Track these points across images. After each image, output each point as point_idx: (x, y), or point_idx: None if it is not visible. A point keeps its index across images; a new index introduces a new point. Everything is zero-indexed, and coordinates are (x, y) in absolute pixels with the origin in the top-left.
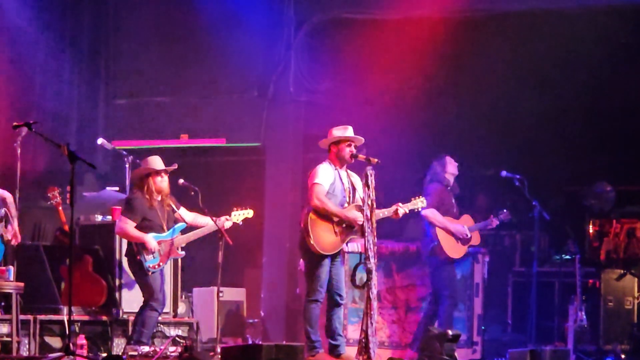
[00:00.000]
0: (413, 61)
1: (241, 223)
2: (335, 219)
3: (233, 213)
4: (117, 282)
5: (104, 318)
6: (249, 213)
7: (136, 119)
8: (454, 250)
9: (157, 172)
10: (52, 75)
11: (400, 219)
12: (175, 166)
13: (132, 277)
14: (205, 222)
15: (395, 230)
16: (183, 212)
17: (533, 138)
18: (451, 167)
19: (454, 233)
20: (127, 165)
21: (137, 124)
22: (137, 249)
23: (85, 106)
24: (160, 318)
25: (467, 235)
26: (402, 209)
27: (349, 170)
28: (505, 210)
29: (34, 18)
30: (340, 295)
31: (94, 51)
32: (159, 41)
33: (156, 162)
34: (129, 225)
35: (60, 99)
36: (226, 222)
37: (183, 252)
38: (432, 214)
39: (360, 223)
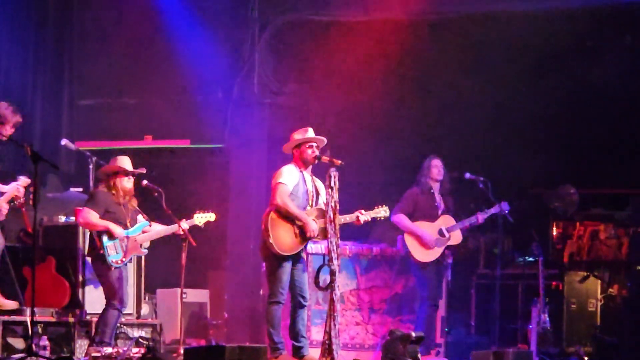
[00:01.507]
0: (377, 63)
1: (202, 226)
2: (296, 221)
3: (195, 215)
4: (81, 283)
5: (67, 319)
6: (211, 217)
7: (100, 120)
8: (424, 254)
9: (126, 173)
10: (16, 76)
11: (368, 222)
12: (144, 170)
13: (95, 276)
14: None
15: (361, 232)
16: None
17: (497, 140)
18: (434, 172)
19: (422, 241)
20: (90, 166)
21: (101, 125)
22: (100, 243)
23: (48, 107)
24: (123, 319)
25: (441, 236)
26: (364, 216)
27: (313, 175)
28: (503, 201)
29: None
30: (303, 297)
31: (57, 52)
32: (123, 42)
33: (125, 162)
34: (92, 215)
35: (23, 100)
36: (183, 223)
37: (146, 250)
38: (399, 219)
39: (314, 235)
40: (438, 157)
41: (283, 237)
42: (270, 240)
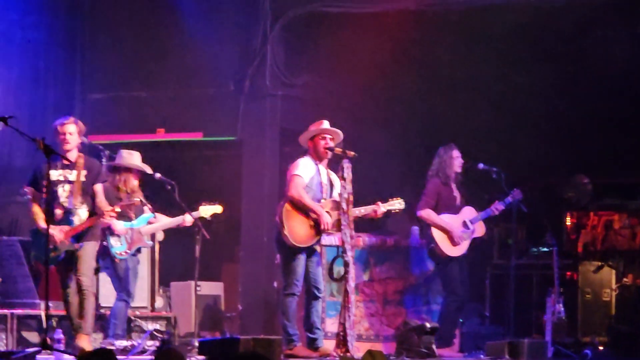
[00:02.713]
0: (390, 54)
1: (209, 217)
2: (310, 213)
3: (201, 207)
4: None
5: None
6: (217, 209)
7: (112, 113)
8: (452, 248)
9: (128, 171)
10: (28, 70)
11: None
12: (150, 170)
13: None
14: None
15: (375, 223)
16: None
17: (510, 130)
18: (456, 163)
19: (450, 234)
20: (103, 160)
21: (113, 118)
22: (103, 236)
23: (61, 101)
24: (138, 312)
25: (466, 229)
26: (382, 208)
27: (328, 168)
28: (515, 189)
29: (9, 13)
30: (318, 289)
31: (69, 46)
32: (134, 35)
33: (135, 158)
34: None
35: (36, 94)
36: (187, 216)
37: (150, 242)
38: (427, 215)
39: (328, 228)
40: (456, 147)
41: (297, 229)
42: (285, 232)
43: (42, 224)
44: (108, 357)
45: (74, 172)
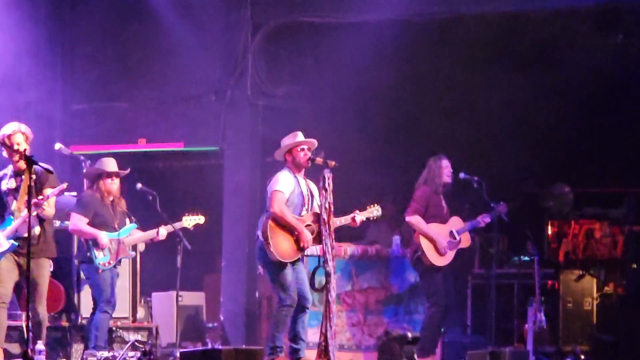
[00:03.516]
0: (372, 64)
1: (192, 228)
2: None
3: (184, 218)
4: (76, 288)
5: (63, 323)
6: (200, 219)
7: (94, 123)
8: (438, 257)
9: (109, 175)
10: (10, 80)
11: (362, 222)
12: (128, 170)
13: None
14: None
15: (356, 233)
16: None
17: (491, 139)
18: (446, 172)
19: (436, 245)
20: (84, 171)
21: (94, 129)
22: (87, 246)
23: (43, 111)
24: (119, 323)
25: (453, 239)
26: (360, 216)
27: (307, 179)
28: (501, 203)
29: None
30: (305, 299)
31: (51, 56)
32: (116, 45)
33: (109, 163)
34: (82, 222)
35: (17, 104)
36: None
37: (133, 252)
38: (416, 221)
39: (307, 246)
40: (446, 157)
41: (282, 245)
42: (271, 249)
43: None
44: None
45: (25, 180)
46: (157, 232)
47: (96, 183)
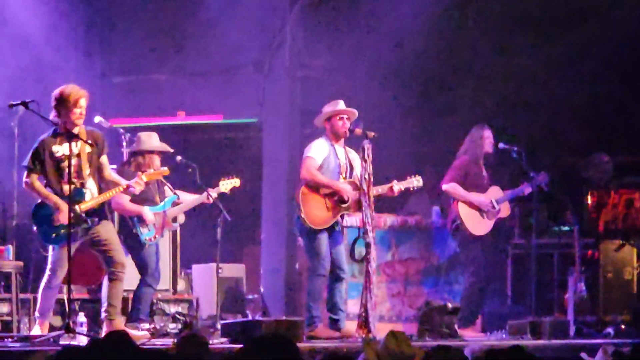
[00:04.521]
0: (412, 33)
1: (229, 192)
2: (326, 191)
3: (221, 183)
4: None
5: None
6: (236, 182)
7: (133, 96)
8: (478, 226)
9: (151, 152)
10: (48, 54)
11: (402, 193)
12: (170, 150)
13: (129, 254)
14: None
15: (396, 204)
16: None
17: (530, 109)
18: (487, 142)
19: (478, 206)
20: (124, 144)
21: (133, 101)
22: (132, 223)
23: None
24: (160, 295)
25: (492, 207)
26: (398, 186)
27: (347, 147)
28: (542, 172)
29: None
30: (341, 269)
31: (89, 29)
32: (154, 18)
33: (154, 139)
34: (124, 199)
35: (56, 78)
36: (211, 191)
37: (177, 224)
38: (453, 189)
39: (348, 195)
40: (488, 127)
41: (314, 211)
42: (302, 215)
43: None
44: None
45: (79, 144)
46: (208, 195)
47: (141, 158)
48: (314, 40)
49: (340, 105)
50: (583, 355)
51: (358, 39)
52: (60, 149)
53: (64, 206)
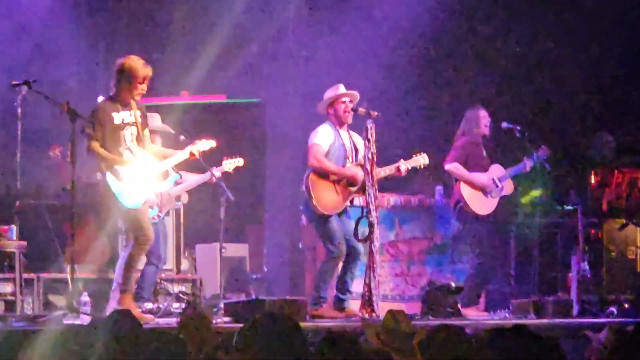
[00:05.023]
0: (413, 14)
1: (232, 172)
2: (335, 178)
3: (224, 162)
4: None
5: (107, 276)
6: (239, 162)
7: None
8: (481, 206)
9: (152, 132)
10: (52, 33)
11: (407, 172)
12: (172, 131)
13: None
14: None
15: (400, 183)
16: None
17: (533, 88)
18: (483, 122)
19: (480, 186)
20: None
21: None
22: None
23: (85, 64)
24: (163, 275)
25: (495, 186)
26: (405, 165)
27: (351, 131)
28: (542, 146)
29: None
30: (357, 250)
31: (94, 9)
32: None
33: (156, 120)
34: None
35: (59, 58)
36: (215, 170)
37: (180, 203)
38: (455, 168)
39: (361, 179)
40: (483, 107)
41: (325, 197)
42: (314, 202)
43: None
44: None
45: (134, 113)
46: (211, 174)
47: None
48: (318, 20)
49: (341, 89)
50: (588, 332)
51: (361, 18)
52: (118, 116)
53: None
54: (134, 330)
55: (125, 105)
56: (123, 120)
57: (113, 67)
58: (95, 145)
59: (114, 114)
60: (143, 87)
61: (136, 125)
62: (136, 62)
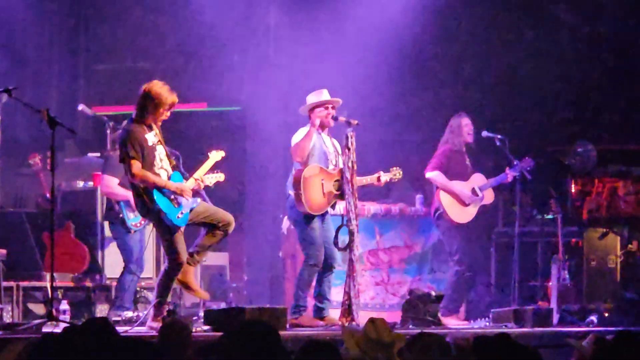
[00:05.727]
0: (395, 20)
1: (212, 186)
2: (324, 177)
3: (205, 177)
4: (100, 248)
5: (87, 284)
6: (220, 177)
7: (116, 84)
8: (461, 214)
9: None
10: (32, 41)
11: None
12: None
13: (113, 240)
14: None
15: (382, 192)
16: None
17: (514, 97)
18: (466, 130)
19: (459, 196)
20: (108, 131)
21: (117, 89)
22: (119, 208)
23: (65, 72)
24: (143, 283)
25: (474, 196)
26: (385, 176)
27: (331, 136)
28: (526, 158)
29: None
30: (333, 258)
31: (73, 17)
32: (138, 6)
33: None
34: (114, 183)
35: (39, 65)
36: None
37: None
38: (435, 177)
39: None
40: (467, 116)
41: (313, 195)
42: (303, 199)
43: (172, 184)
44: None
45: (157, 133)
46: (197, 182)
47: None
48: (298, 28)
49: (325, 95)
50: (570, 340)
51: (343, 25)
52: (149, 138)
53: (186, 186)
54: (110, 340)
55: (149, 127)
56: (153, 142)
57: (137, 92)
58: (138, 166)
59: (147, 136)
60: (167, 114)
61: (162, 144)
62: (162, 89)
